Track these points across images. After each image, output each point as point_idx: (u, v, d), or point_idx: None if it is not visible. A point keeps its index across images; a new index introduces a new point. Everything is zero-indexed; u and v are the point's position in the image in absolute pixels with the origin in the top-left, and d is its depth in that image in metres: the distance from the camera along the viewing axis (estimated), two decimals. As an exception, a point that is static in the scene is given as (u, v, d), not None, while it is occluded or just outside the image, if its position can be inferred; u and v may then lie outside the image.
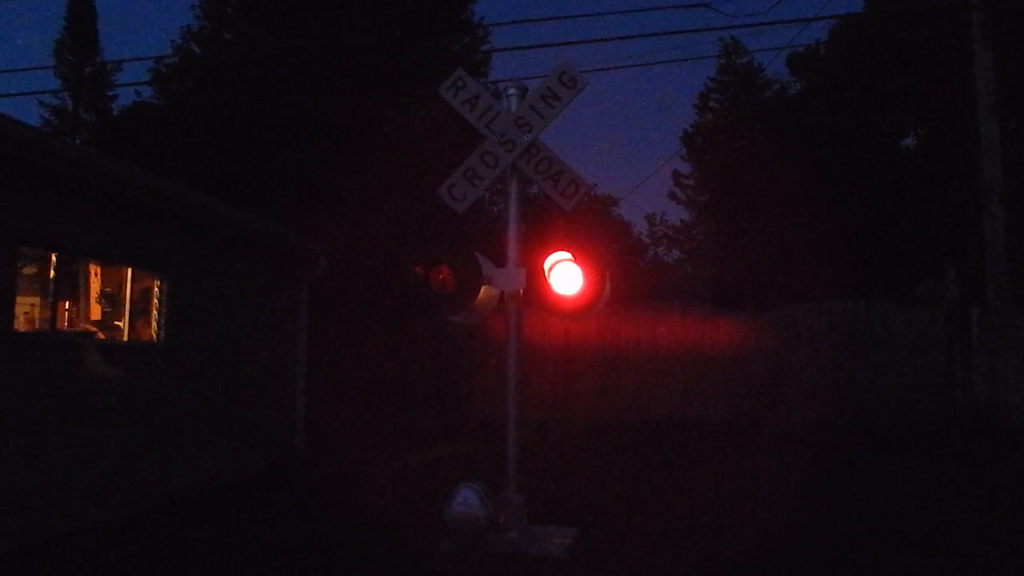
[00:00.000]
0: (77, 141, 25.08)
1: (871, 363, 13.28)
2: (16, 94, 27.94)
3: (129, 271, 7.49)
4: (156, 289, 7.69)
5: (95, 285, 7.57)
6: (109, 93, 28.55)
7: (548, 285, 5.53)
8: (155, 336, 7.68)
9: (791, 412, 13.32)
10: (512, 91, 6.06)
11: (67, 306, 7.15)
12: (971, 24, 13.01)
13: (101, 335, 7.44)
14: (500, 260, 5.88)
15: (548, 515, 6.05)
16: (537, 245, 5.76)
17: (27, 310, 6.44)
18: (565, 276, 5.50)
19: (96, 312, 7.57)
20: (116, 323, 7.54)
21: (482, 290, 5.55)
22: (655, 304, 14.61)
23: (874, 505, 7.26)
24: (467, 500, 5.39)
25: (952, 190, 17.79)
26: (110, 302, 7.58)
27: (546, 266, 5.60)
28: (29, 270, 6.43)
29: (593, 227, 24.62)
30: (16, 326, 6.10)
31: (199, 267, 8.39)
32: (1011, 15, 14.09)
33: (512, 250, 5.84)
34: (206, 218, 8.31)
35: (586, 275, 5.45)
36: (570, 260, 5.53)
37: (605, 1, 39.36)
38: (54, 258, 6.45)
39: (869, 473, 9.12)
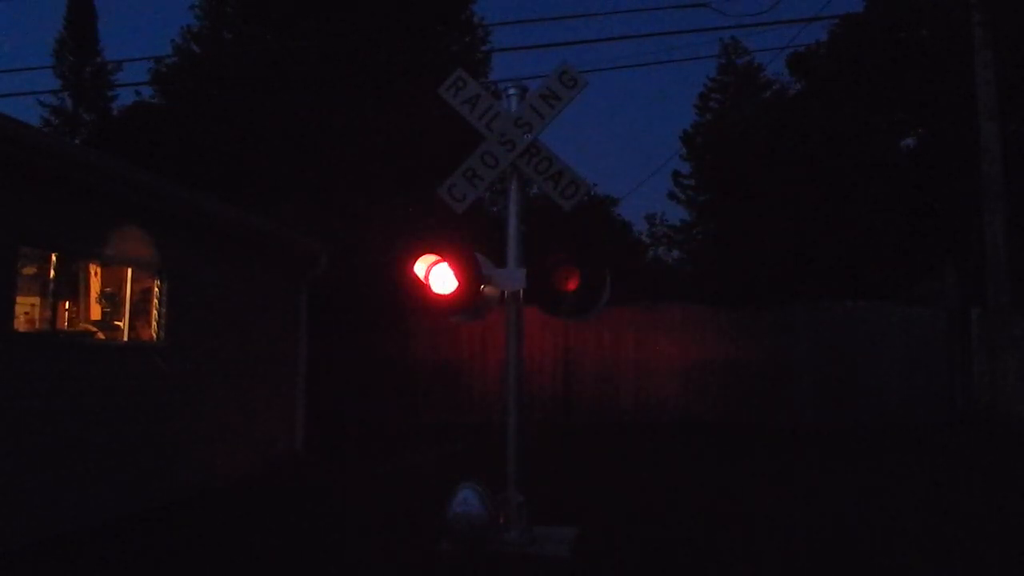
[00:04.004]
0: (77, 141, 25.07)
1: (871, 363, 13.28)
2: (16, 94, 27.99)
3: (129, 271, 7.49)
4: (156, 289, 7.69)
5: (95, 285, 7.57)
6: (109, 93, 28.58)
7: (548, 285, 5.53)
8: (155, 336, 7.68)
9: (791, 412, 13.32)
10: (512, 91, 6.05)
11: (67, 306, 7.15)
12: (971, 24, 13.01)
13: (101, 335, 7.44)
14: (500, 260, 5.88)
15: (548, 515, 6.05)
16: (537, 245, 5.76)
17: (27, 310, 6.44)
18: (564, 276, 5.50)
19: (96, 312, 7.56)
20: (116, 323, 7.53)
21: (482, 290, 5.55)
22: (655, 304, 14.61)
23: (876, 506, 7.26)
24: (467, 500, 5.39)
25: (952, 190, 17.77)
26: (110, 302, 7.58)
27: (546, 266, 5.60)
28: (29, 270, 6.43)
29: (593, 227, 24.63)
30: (16, 326, 6.10)
31: (199, 267, 8.39)
32: (1011, 15, 14.08)
33: (512, 250, 5.84)
34: (206, 218, 8.31)
35: (586, 275, 5.45)
36: (570, 260, 5.53)
37: (605, 1, 39.36)
38: (54, 258, 6.45)
39: (870, 474, 9.12)
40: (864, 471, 9.23)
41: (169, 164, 13.76)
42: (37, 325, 6.46)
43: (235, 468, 8.76)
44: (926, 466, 9.49)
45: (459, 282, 5.43)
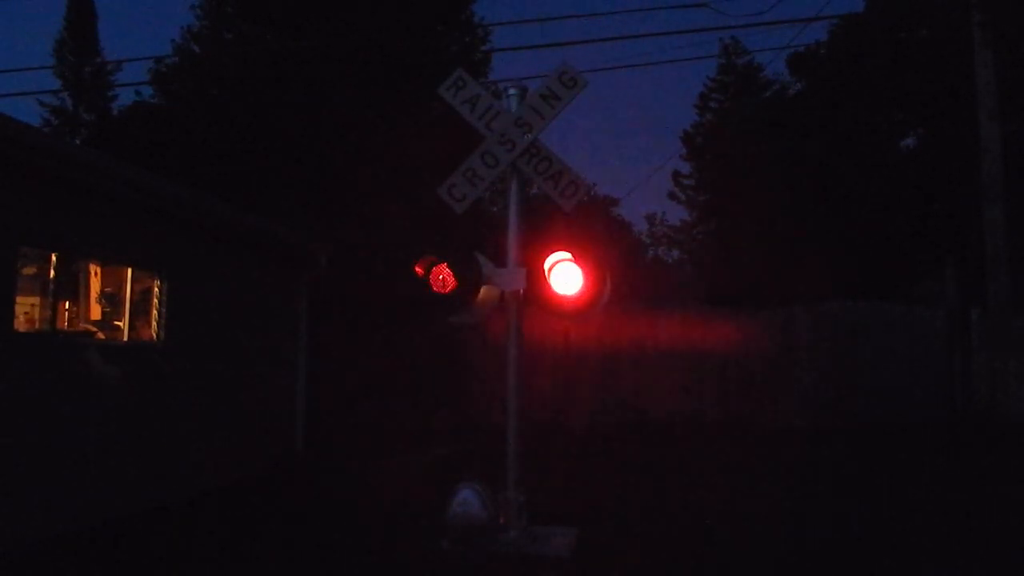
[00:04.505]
0: (77, 141, 25.06)
1: (870, 363, 13.27)
2: (16, 94, 27.82)
3: (129, 271, 7.49)
4: (156, 289, 7.69)
5: (95, 285, 7.57)
6: (109, 93, 28.55)
7: (548, 285, 5.53)
8: (155, 336, 7.68)
9: (790, 412, 13.31)
10: (512, 91, 6.06)
11: (67, 306, 7.15)
12: (971, 24, 13.01)
13: (101, 335, 7.44)
14: (500, 260, 5.88)
15: (548, 515, 6.05)
16: (537, 245, 5.76)
17: (27, 310, 6.44)
18: (565, 276, 5.50)
19: (96, 312, 7.57)
20: (116, 323, 7.53)
21: (482, 290, 5.55)
22: (655, 304, 14.61)
23: (876, 506, 7.25)
24: (467, 500, 5.39)
25: (952, 190, 17.78)
26: (110, 302, 7.58)
27: (546, 266, 5.60)
28: (29, 270, 6.43)
29: (593, 227, 24.63)
30: (16, 326, 6.10)
31: (199, 267, 8.39)
32: (1011, 15, 14.08)
33: (512, 250, 5.84)
34: (206, 218, 8.31)
35: (586, 275, 5.45)
36: (570, 260, 5.53)
37: (605, 1, 39.38)
38: (54, 258, 6.45)
39: (870, 474, 9.12)
40: (864, 471, 9.23)
41: (169, 164, 13.75)
42: (37, 325, 6.46)
43: (235, 468, 8.76)
44: (926, 466, 9.48)
45: (459, 282, 5.43)
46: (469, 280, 5.44)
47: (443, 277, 5.50)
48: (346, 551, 5.85)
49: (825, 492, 7.95)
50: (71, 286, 7.20)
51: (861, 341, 13.39)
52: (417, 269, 5.59)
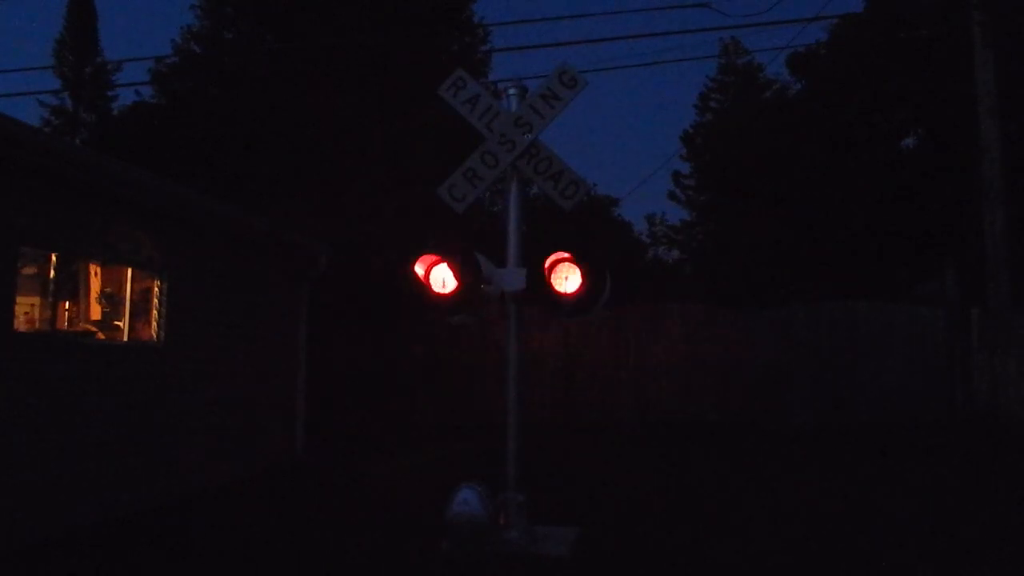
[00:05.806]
0: (77, 141, 25.06)
1: (871, 363, 13.28)
2: (16, 94, 27.96)
3: (129, 271, 7.49)
4: (156, 289, 7.69)
5: (95, 285, 7.57)
6: (109, 93, 28.53)
7: (548, 285, 5.53)
8: (155, 336, 7.68)
9: (790, 412, 13.31)
10: (512, 91, 6.06)
11: (67, 306, 7.15)
12: (971, 24, 13.01)
13: (101, 335, 7.44)
14: (500, 260, 5.88)
15: (548, 515, 6.05)
16: (537, 245, 5.76)
17: (27, 310, 6.44)
18: (565, 276, 5.50)
19: (96, 312, 7.56)
20: (116, 323, 7.53)
21: (482, 290, 5.55)
22: (655, 304, 14.61)
23: (876, 508, 7.25)
24: (467, 500, 5.39)
25: (952, 190, 17.78)
26: (110, 302, 7.58)
27: (546, 266, 5.60)
28: (29, 270, 6.43)
29: (593, 227, 24.63)
30: (16, 326, 6.10)
31: (199, 267, 8.39)
32: (1011, 15, 14.08)
33: (512, 250, 5.84)
34: (206, 218, 8.31)
35: (586, 275, 5.45)
36: (570, 260, 5.52)
37: (605, 1, 39.36)
38: (54, 258, 6.45)
39: (869, 475, 9.12)
40: (863, 472, 9.23)
41: (169, 164, 13.75)
42: (37, 325, 6.46)
43: (235, 468, 8.76)
44: (925, 466, 9.48)
45: (459, 282, 5.43)
46: (469, 280, 5.43)
47: (443, 277, 5.51)
48: (346, 551, 5.85)
49: (825, 494, 7.95)
50: (71, 286, 7.19)
51: (861, 341, 13.40)
52: (417, 269, 5.59)
